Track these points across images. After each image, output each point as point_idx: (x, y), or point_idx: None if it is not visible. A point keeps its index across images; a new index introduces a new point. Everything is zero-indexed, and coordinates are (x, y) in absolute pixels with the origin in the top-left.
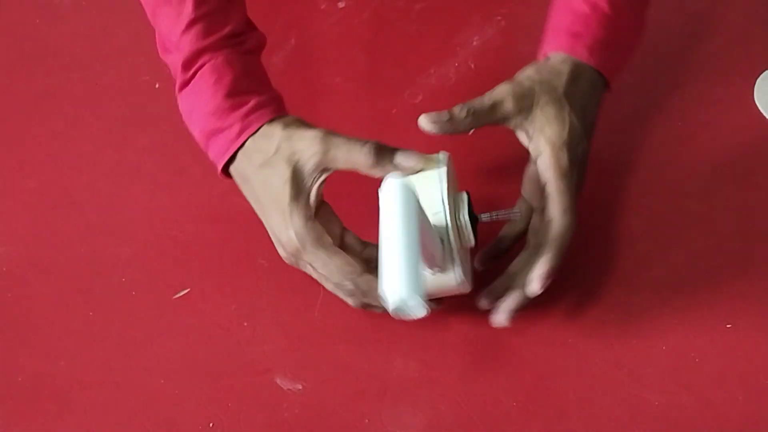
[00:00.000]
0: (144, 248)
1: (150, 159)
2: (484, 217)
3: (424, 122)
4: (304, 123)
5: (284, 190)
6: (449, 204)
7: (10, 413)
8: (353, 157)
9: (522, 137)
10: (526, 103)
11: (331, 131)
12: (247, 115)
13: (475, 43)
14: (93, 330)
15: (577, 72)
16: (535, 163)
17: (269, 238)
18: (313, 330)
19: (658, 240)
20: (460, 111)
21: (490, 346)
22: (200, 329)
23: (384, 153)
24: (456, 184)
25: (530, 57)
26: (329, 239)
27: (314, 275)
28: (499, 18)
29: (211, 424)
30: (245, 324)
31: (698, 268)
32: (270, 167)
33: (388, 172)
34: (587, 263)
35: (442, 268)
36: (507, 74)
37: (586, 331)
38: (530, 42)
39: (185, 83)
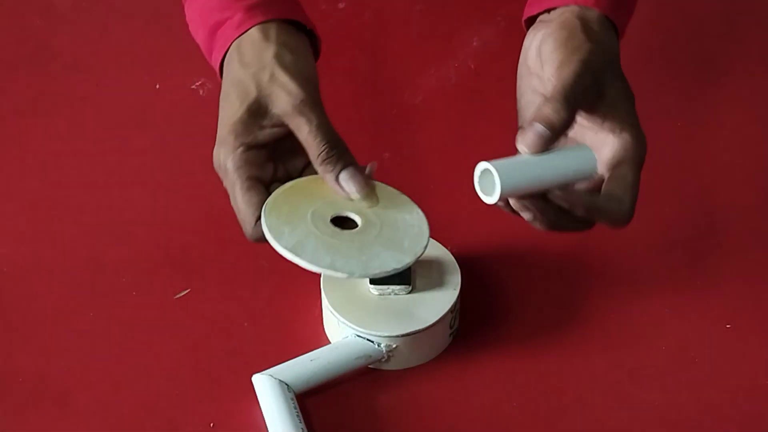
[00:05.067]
0: (144, 248)
1: (150, 159)
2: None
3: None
4: (300, 59)
5: (238, 111)
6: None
7: (10, 413)
8: (308, 146)
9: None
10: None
11: (312, 100)
12: (252, 7)
13: (474, 43)
14: (93, 330)
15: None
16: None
17: None
18: (313, 330)
19: (658, 240)
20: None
21: (490, 345)
22: (200, 329)
23: (330, 166)
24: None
25: None
26: (249, 174)
27: None
28: (499, 19)
29: (211, 424)
30: (245, 324)
31: (698, 268)
32: (239, 84)
33: (329, 183)
34: (586, 263)
35: None
36: (507, 75)
37: (586, 331)
38: None
39: None
